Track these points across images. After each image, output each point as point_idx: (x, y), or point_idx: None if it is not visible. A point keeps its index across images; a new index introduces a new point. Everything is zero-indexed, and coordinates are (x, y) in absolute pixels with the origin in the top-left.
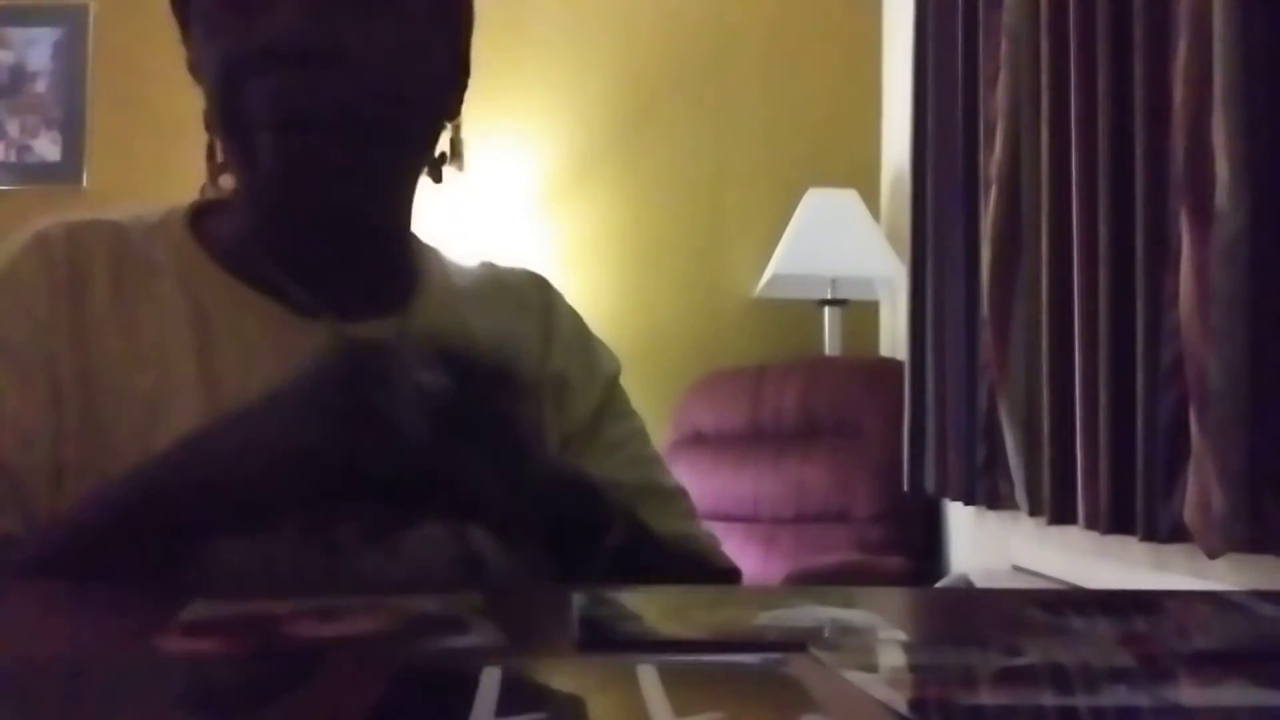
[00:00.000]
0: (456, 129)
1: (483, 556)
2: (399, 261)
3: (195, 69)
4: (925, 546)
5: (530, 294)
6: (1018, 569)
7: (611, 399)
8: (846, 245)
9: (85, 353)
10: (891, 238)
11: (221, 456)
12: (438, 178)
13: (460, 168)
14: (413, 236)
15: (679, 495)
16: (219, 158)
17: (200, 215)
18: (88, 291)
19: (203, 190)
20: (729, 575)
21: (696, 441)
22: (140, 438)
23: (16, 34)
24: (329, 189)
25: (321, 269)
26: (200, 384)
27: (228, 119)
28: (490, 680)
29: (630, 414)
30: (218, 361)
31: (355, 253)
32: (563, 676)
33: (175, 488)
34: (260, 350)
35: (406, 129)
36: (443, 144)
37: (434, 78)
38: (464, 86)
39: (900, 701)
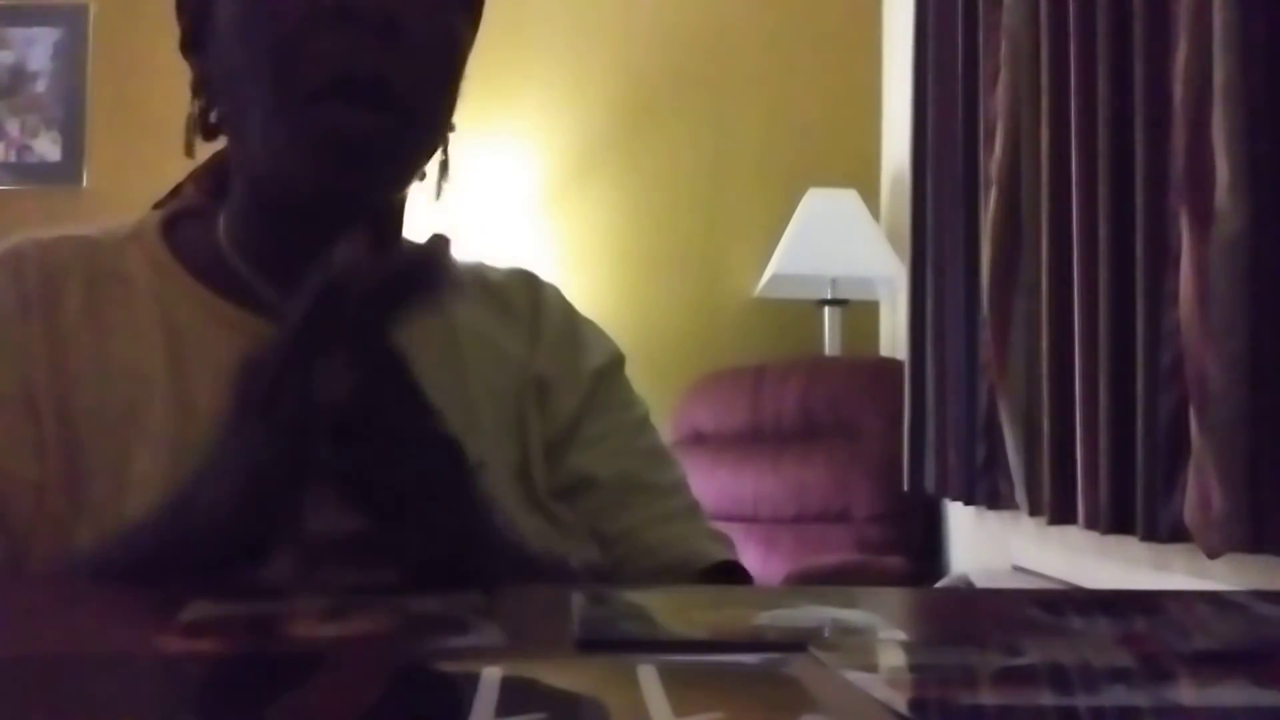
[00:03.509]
0: (446, 148)
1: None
2: None
3: (197, 43)
4: (925, 546)
5: (518, 297)
6: (1018, 569)
7: (597, 392)
8: (846, 245)
9: (60, 370)
10: (891, 238)
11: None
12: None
13: (437, 195)
14: (403, 240)
15: (672, 491)
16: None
17: (174, 223)
18: (61, 308)
19: (175, 191)
20: (726, 574)
21: (696, 441)
22: (116, 456)
23: (16, 34)
24: (359, 161)
25: (302, 272)
26: (174, 400)
27: (272, 82)
28: (490, 680)
29: (622, 405)
30: (191, 377)
31: None
32: (563, 676)
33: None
34: (235, 364)
35: (440, 123)
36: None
37: (460, 71)
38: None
39: (900, 701)
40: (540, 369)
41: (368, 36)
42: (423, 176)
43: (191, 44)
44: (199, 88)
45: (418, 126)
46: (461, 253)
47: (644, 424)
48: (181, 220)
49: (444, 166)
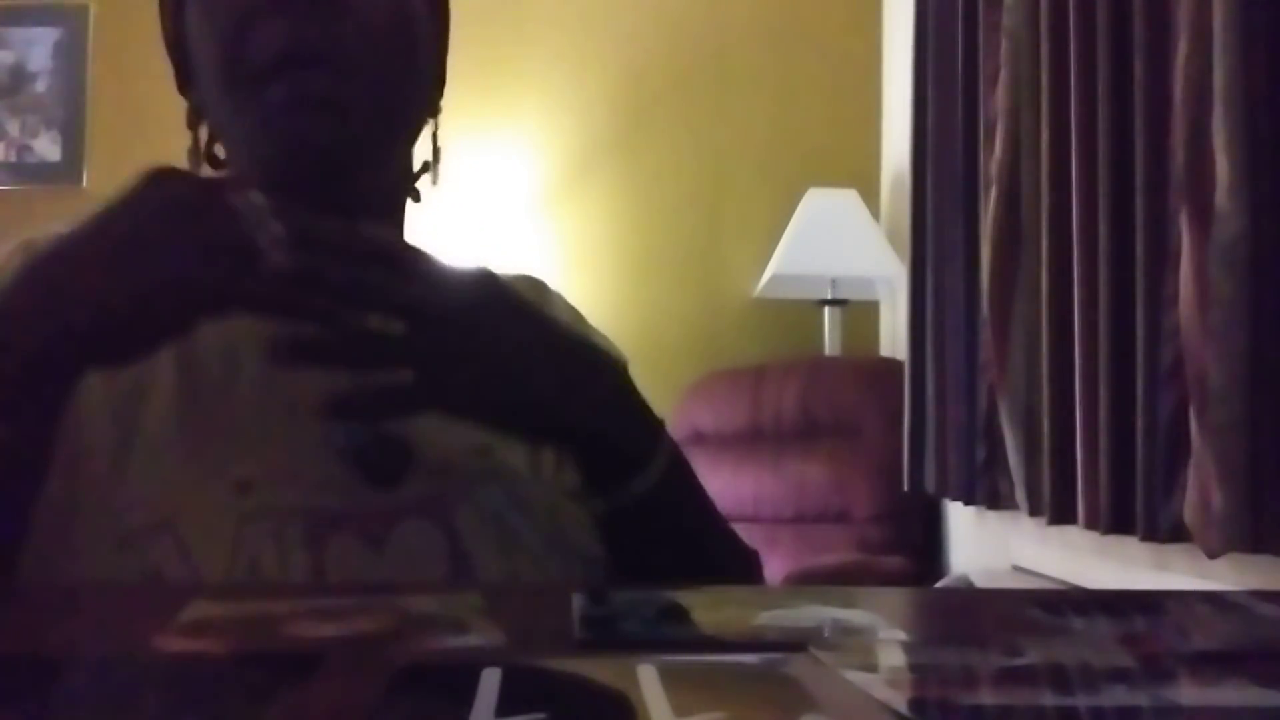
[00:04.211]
0: (435, 135)
1: (473, 555)
2: None
3: (182, 59)
4: (925, 546)
5: None
6: (1018, 569)
7: None
8: (846, 245)
9: None
10: (891, 238)
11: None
12: (416, 196)
13: (434, 181)
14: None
15: None
16: (205, 150)
17: None
18: None
19: None
20: (750, 561)
21: (696, 442)
22: (120, 442)
23: (16, 34)
24: (331, 131)
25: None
26: (179, 380)
27: (230, 71)
28: (490, 680)
29: None
30: (198, 357)
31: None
32: (563, 676)
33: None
34: (242, 343)
35: (403, 89)
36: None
37: (425, 50)
38: (442, 85)
39: (900, 701)
40: None
41: (304, 17)
42: (419, 175)
43: (183, 78)
44: (194, 119)
45: (373, 92)
46: (463, 252)
47: None
48: None
49: (434, 153)
